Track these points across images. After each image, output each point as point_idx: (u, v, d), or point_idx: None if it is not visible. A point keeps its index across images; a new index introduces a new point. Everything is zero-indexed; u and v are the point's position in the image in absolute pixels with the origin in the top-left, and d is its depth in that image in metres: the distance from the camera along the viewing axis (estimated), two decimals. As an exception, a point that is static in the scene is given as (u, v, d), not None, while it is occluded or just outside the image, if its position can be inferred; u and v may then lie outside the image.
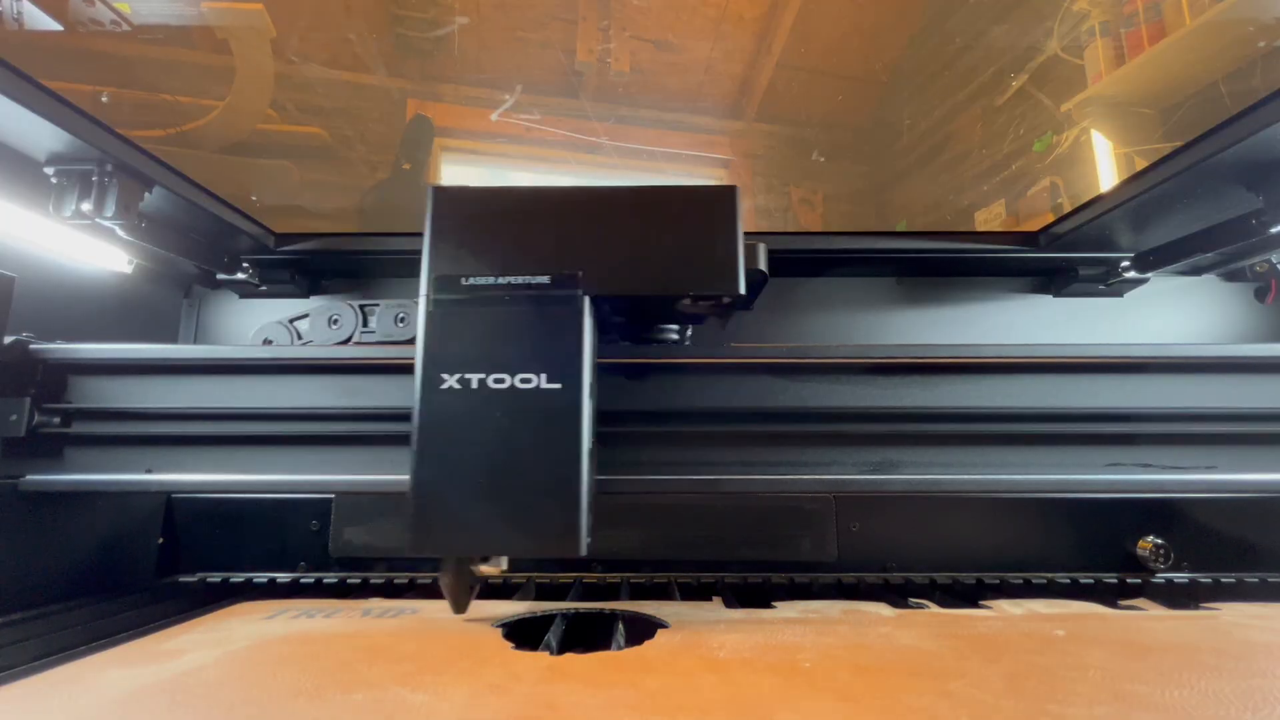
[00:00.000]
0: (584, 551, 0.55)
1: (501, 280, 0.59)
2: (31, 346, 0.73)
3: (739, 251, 0.60)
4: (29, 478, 0.72)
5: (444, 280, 0.59)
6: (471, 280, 0.59)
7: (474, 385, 0.57)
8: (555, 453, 0.56)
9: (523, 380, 0.57)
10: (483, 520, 0.55)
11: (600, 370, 0.73)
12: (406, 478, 0.56)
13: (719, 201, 0.62)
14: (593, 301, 0.60)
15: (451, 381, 0.57)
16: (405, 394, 0.74)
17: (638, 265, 0.60)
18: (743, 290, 0.60)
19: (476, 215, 0.61)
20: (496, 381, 0.57)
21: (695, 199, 0.62)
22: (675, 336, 0.77)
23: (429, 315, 0.58)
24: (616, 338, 0.77)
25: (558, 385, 0.57)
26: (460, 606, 0.61)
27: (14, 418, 0.71)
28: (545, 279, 0.59)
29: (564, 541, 0.55)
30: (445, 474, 0.56)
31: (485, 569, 0.59)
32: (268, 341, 0.90)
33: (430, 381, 0.57)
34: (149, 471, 0.74)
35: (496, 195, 0.62)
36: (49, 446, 0.74)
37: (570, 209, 0.61)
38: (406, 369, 0.75)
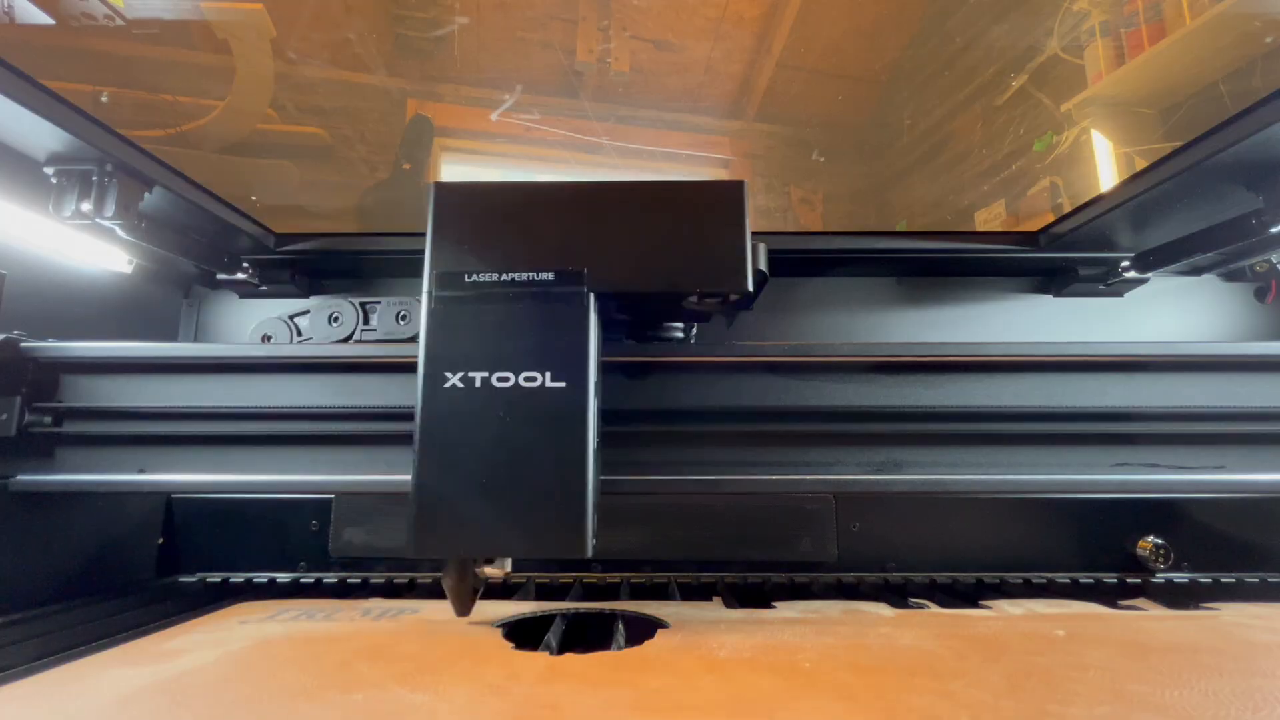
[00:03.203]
0: (589, 553, 0.54)
1: (505, 277, 0.58)
2: (22, 345, 0.73)
3: (747, 248, 0.59)
4: (20, 478, 0.71)
5: (446, 277, 0.58)
6: (475, 277, 0.58)
7: (477, 384, 0.56)
8: (560, 453, 0.55)
9: (527, 379, 0.56)
10: (486, 521, 0.54)
11: (601, 369, 0.73)
12: (408, 477, 0.55)
13: (726, 197, 0.60)
14: (597, 299, 0.59)
15: (454, 380, 0.56)
16: (406, 393, 0.74)
17: (643, 261, 0.59)
18: (750, 287, 0.59)
19: (479, 211, 0.60)
20: (500, 380, 0.56)
21: (702, 194, 0.60)
22: (680, 334, 0.76)
23: (431, 313, 0.58)
24: (620, 336, 0.76)
25: (562, 384, 0.56)
26: (464, 609, 0.60)
27: (4, 417, 0.71)
28: (549, 275, 0.58)
29: (569, 543, 0.54)
30: (448, 474, 0.55)
31: (489, 570, 0.58)
32: (267, 338, 0.90)
33: (433, 380, 0.56)
34: (142, 471, 0.73)
35: (500, 190, 0.61)
36: (40, 446, 0.74)
37: (574, 204, 0.60)
38: (408, 368, 0.74)
